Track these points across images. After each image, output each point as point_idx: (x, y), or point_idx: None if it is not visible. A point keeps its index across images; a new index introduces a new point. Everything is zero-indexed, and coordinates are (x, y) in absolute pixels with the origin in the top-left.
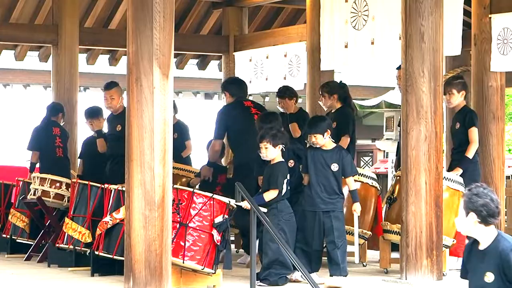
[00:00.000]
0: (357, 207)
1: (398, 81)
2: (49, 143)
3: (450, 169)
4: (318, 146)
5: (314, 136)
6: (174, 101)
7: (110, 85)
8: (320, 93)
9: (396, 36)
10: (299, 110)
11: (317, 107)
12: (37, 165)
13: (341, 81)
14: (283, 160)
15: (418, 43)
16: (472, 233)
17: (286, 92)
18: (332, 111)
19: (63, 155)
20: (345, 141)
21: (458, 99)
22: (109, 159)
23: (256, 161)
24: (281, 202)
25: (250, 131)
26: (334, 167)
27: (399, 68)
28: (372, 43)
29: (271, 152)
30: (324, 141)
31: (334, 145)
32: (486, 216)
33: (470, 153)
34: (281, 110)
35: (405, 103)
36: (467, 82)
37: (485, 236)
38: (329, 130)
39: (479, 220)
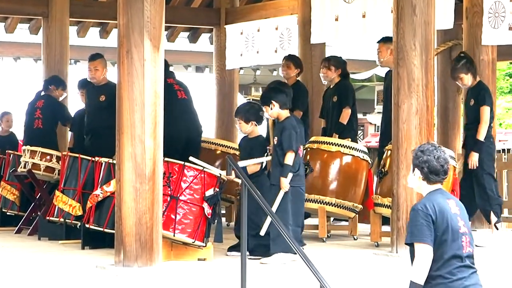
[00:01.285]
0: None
1: (378, 55)
2: (31, 116)
3: (464, 145)
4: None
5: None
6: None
7: (94, 57)
8: (326, 65)
9: (388, 9)
10: (296, 82)
11: (308, 79)
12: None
13: (340, 57)
14: (260, 134)
15: (409, 16)
16: (419, 189)
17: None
18: (331, 86)
19: (42, 127)
20: (346, 113)
21: (469, 79)
22: (90, 132)
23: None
24: (262, 176)
25: (173, 105)
26: (275, 140)
27: (379, 41)
28: (364, 16)
29: (244, 127)
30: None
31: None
32: (428, 173)
33: (481, 135)
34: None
35: (397, 76)
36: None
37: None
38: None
39: (422, 177)
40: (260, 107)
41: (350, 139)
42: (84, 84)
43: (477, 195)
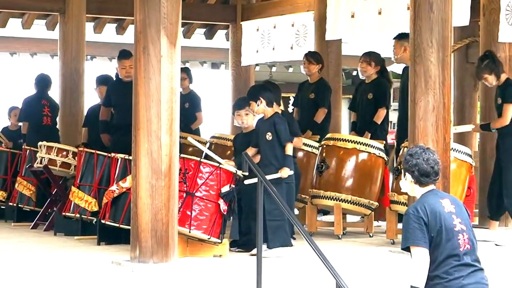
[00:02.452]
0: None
1: (394, 51)
2: (38, 113)
3: (497, 146)
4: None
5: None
6: (190, 70)
7: (128, 54)
8: (367, 60)
9: (404, 6)
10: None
11: (325, 76)
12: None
13: (380, 54)
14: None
15: (426, 13)
16: (412, 193)
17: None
18: (366, 81)
19: (51, 124)
20: (382, 114)
21: (493, 79)
22: (118, 129)
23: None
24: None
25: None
26: (268, 136)
27: (396, 38)
28: (380, 13)
29: (251, 120)
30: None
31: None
32: (419, 175)
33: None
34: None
35: (413, 73)
36: (475, 53)
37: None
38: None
39: (413, 180)
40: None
41: (383, 142)
42: (103, 81)
43: (504, 193)
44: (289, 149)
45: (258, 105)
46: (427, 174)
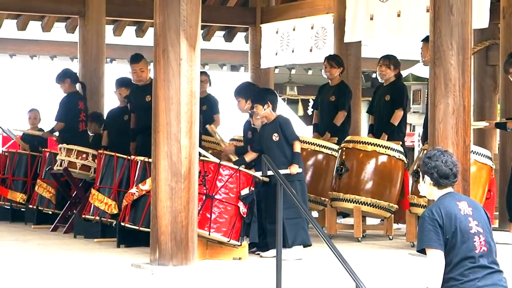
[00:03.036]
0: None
1: (422, 54)
2: (74, 117)
3: None
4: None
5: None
6: (208, 75)
7: (138, 58)
8: (386, 63)
9: (423, 8)
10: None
11: (344, 78)
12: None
13: (397, 58)
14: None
15: (446, 15)
16: (431, 195)
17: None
18: (384, 84)
19: (86, 128)
20: (398, 115)
21: None
22: (140, 132)
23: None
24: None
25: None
26: (275, 137)
27: (423, 40)
28: (399, 15)
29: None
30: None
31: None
32: (438, 177)
33: None
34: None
35: (433, 76)
36: (495, 55)
37: None
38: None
39: (432, 183)
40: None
41: (400, 143)
42: (123, 83)
43: None
44: (297, 147)
45: (265, 109)
46: (446, 176)
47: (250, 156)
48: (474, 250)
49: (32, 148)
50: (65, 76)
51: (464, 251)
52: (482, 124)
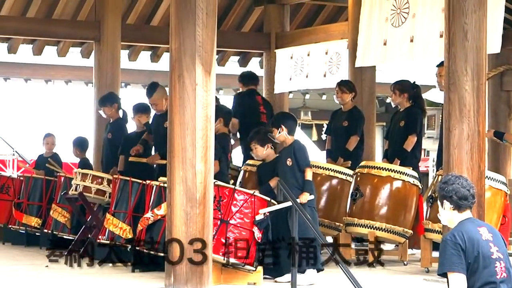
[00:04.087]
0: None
1: (438, 79)
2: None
3: None
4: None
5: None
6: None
7: (149, 92)
8: (392, 89)
9: (436, 33)
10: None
11: (358, 103)
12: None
13: (414, 82)
14: (277, 155)
15: (461, 41)
16: (451, 222)
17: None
18: (400, 110)
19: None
20: (411, 141)
21: None
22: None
23: None
24: None
25: None
26: (289, 162)
27: (439, 65)
28: (412, 40)
29: (260, 151)
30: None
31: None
32: (457, 200)
33: None
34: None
35: (448, 101)
36: (509, 81)
37: None
38: (283, 126)
39: (452, 206)
40: (267, 129)
41: (411, 167)
42: (140, 109)
43: None
44: (308, 174)
45: (279, 132)
46: (465, 197)
47: (273, 182)
48: (495, 276)
49: (47, 173)
50: (114, 101)
51: (486, 276)
52: None
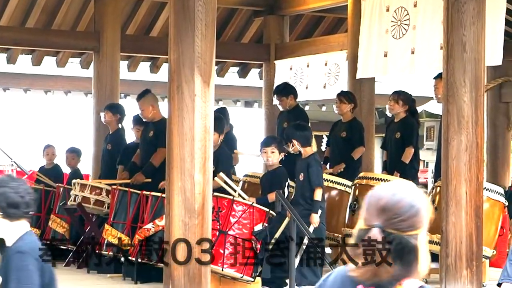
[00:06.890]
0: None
1: (435, 91)
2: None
3: None
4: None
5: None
6: (228, 112)
7: (139, 96)
8: (395, 99)
9: (437, 45)
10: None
11: (358, 115)
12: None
13: (410, 95)
14: (281, 165)
15: (459, 53)
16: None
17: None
18: (395, 120)
19: None
20: (409, 153)
21: None
22: (141, 167)
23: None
24: None
25: None
26: (301, 176)
27: (436, 77)
28: (412, 52)
29: (275, 157)
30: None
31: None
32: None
33: None
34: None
35: (446, 112)
36: (508, 92)
37: None
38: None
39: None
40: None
41: (410, 179)
42: (139, 120)
43: None
44: (317, 195)
45: (293, 145)
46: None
47: (272, 196)
48: None
49: (46, 184)
50: (119, 112)
51: None
52: None
